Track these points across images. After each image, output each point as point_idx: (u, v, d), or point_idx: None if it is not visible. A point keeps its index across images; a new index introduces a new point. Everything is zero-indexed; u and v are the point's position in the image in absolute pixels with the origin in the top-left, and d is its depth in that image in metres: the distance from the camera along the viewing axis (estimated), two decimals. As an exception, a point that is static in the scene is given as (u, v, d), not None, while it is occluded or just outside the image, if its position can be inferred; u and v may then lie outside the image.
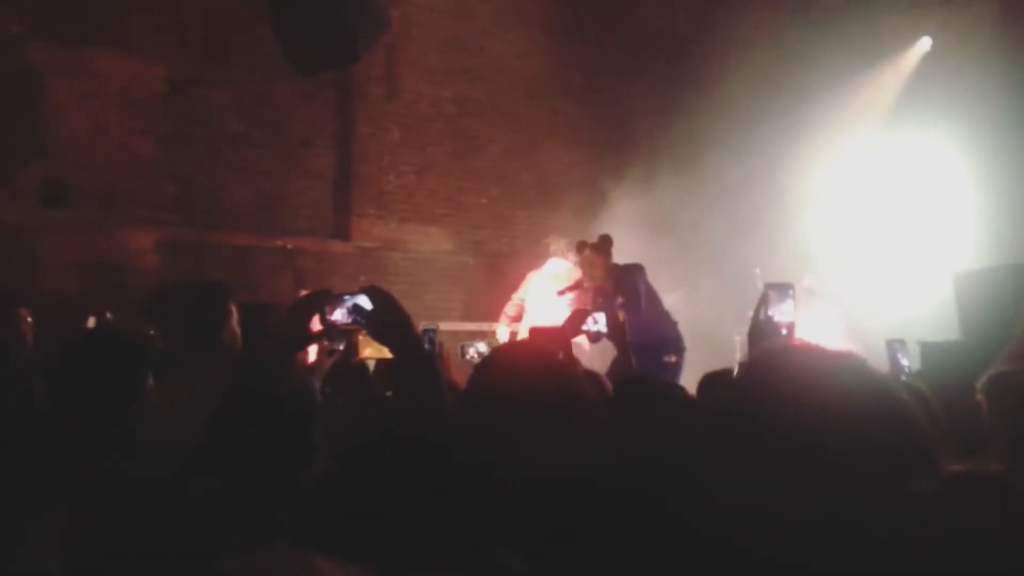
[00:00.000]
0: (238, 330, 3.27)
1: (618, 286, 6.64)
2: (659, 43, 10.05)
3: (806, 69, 9.21)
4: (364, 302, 2.08)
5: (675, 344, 6.68)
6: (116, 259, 7.70)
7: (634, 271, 6.71)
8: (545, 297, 7.83)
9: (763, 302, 2.56)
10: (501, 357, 2.08)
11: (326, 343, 2.71)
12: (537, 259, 8.83)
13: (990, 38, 8.62)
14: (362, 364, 3.50)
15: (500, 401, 1.88)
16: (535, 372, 1.93)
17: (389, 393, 3.00)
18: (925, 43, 9.03)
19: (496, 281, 9.68)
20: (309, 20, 6.92)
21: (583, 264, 6.88)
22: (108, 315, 5.51)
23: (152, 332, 3.58)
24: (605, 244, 6.83)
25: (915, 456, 1.41)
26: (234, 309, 3.24)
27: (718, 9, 9.53)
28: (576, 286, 7.19)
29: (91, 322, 5.37)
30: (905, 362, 4.33)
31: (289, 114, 8.94)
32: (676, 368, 6.52)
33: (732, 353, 8.24)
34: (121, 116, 8.03)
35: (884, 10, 9.30)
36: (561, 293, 7.27)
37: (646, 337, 6.42)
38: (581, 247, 6.91)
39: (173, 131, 8.26)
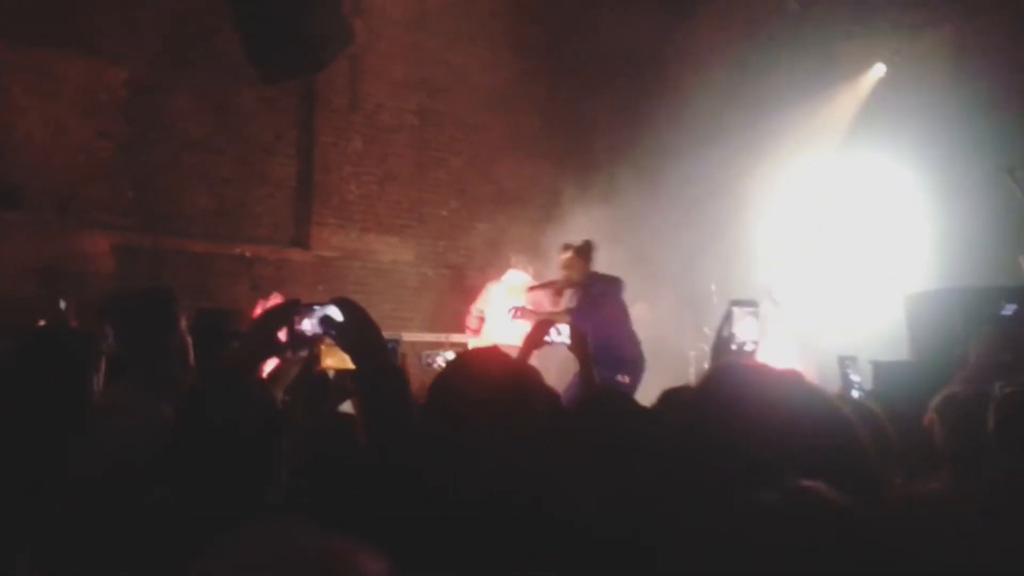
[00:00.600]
0: (188, 338, 3.27)
1: (587, 291, 6.69)
2: (621, 60, 10.16)
3: (765, 90, 9.39)
4: (334, 313, 2.10)
5: (633, 365, 6.71)
6: (72, 263, 7.59)
7: (611, 283, 6.75)
8: (503, 309, 7.86)
9: (727, 319, 2.61)
10: (462, 362, 2.10)
11: (290, 354, 2.71)
12: (496, 271, 8.87)
13: (943, 65, 8.84)
14: (323, 374, 3.48)
15: (459, 405, 1.90)
16: (494, 375, 1.96)
17: (348, 404, 3.00)
18: (879, 69, 9.23)
19: (455, 292, 9.72)
20: (274, 28, 6.91)
21: (563, 264, 6.89)
22: (62, 304, 5.43)
23: (106, 335, 3.57)
24: (587, 248, 6.87)
25: (855, 472, 1.48)
26: (180, 316, 3.24)
27: (679, 29, 9.66)
28: (547, 285, 7.17)
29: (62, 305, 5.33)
30: (856, 378, 4.43)
31: (251, 121, 8.90)
32: (629, 388, 6.56)
33: (687, 367, 8.35)
34: (80, 119, 7.94)
35: (839, 36, 9.51)
36: (531, 289, 7.25)
37: (604, 352, 6.47)
38: (565, 248, 6.92)
39: (133, 135, 8.18)
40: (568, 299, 6.92)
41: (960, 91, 8.47)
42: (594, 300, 6.64)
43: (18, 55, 7.60)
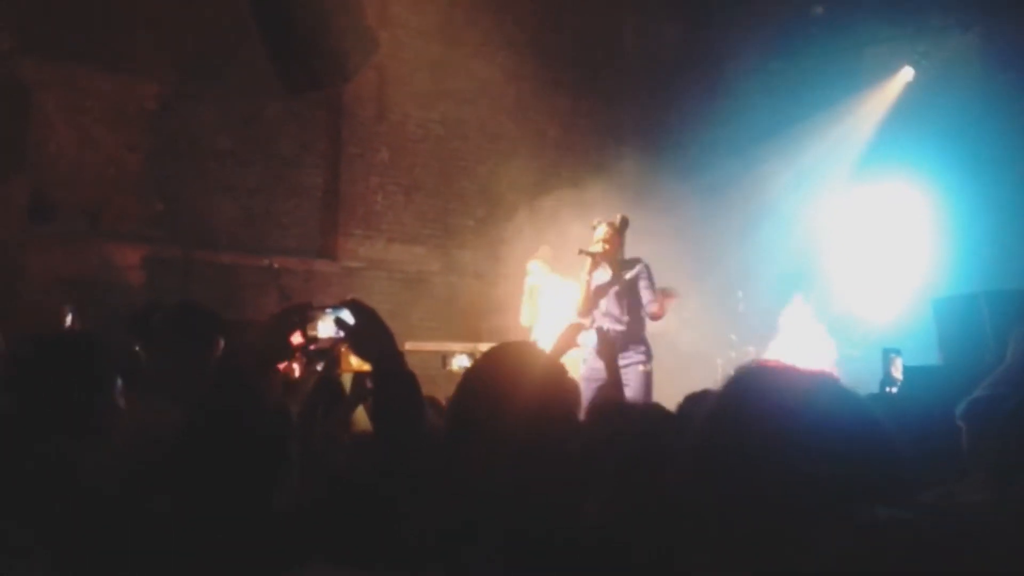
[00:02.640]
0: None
1: (619, 272, 6.65)
2: (645, 69, 10.14)
3: (792, 95, 9.33)
4: (347, 316, 2.09)
5: (649, 348, 6.69)
6: (102, 275, 7.69)
7: (644, 265, 6.73)
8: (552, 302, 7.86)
9: None
10: (498, 354, 2.06)
11: (305, 360, 2.70)
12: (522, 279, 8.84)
13: (972, 67, 8.75)
14: (337, 379, 3.47)
15: (493, 396, 1.87)
16: (531, 370, 1.93)
17: (363, 406, 3.00)
18: (907, 72, 9.15)
19: (482, 302, 9.71)
20: (299, 40, 6.97)
21: (601, 238, 6.79)
22: (68, 317, 5.42)
23: (136, 348, 3.59)
24: (624, 224, 6.79)
25: (889, 479, 1.42)
26: (221, 341, 3.25)
27: (704, 36, 9.64)
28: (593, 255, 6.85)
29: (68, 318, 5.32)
30: (898, 374, 4.35)
31: (278, 133, 8.97)
32: (650, 377, 6.53)
33: (713, 375, 8.29)
34: (110, 132, 8.04)
35: (866, 40, 9.43)
36: (583, 253, 7.11)
37: (628, 337, 6.50)
38: (603, 221, 6.85)
39: (161, 147, 8.27)
40: (597, 277, 6.81)
41: (988, 93, 8.38)
42: (630, 283, 6.63)
43: (49, 71, 7.72)
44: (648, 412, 2.83)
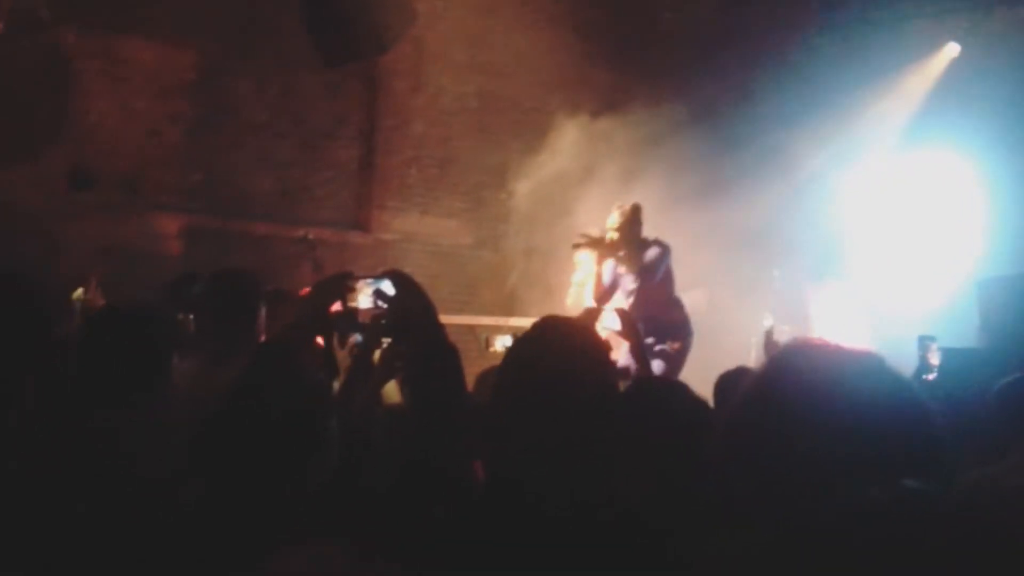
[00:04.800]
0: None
1: (639, 258, 6.58)
2: (684, 44, 10.02)
3: (834, 70, 9.18)
4: (387, 287, 2.07)
5: (682, 329, 6.63)
6: (140, 244, 7.75)
7: (661, 248, 6.64)
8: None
9: None
10: (547, 327, 2.03)
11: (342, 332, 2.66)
12: (561, 257, 8.78)
13: (1018, 43, 8.56)
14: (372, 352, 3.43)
15: (544, 371, 1.85)
16: (580, 344, 1.90)
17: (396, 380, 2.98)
18: (953, 48, 8.97)
19: (514, 277, 9.70)
20: (337, 12, 6.95)
21: (614, 227, 6.74)
22: (90, 285, 5.33)
23: (180, 316, 3.61)
24: (636, 212, 6.71)
25: (931, 460, 1.39)
26: (264, 309, 3.26)
27: (744, 10, 9.49)
28: (597, 244, 6.88)
29: (79, 292, 5.23)
30: (935, 361, 4.30)
31: (314, 105, 8.97)
32: (679, 355, 6.47)
33: (747, 356, 8.21)
34: (149, 102, 8.08)
35: (911, 15, 9.25)
36: (576, 247, 7.08)
37: (652, 322, 6.42)
38: (618, 208, 6.79)
39: (199, 119, 8.30)
40: (612, 266, 6.78)
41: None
42: (647, 268, 6.55)
43: (89, 41, 7.76)
44: (681, 392, 2.81)
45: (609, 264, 6.73)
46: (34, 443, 2.17)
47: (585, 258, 8.08)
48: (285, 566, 1.18)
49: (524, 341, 1.95)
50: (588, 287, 7.77)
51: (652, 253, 6.60)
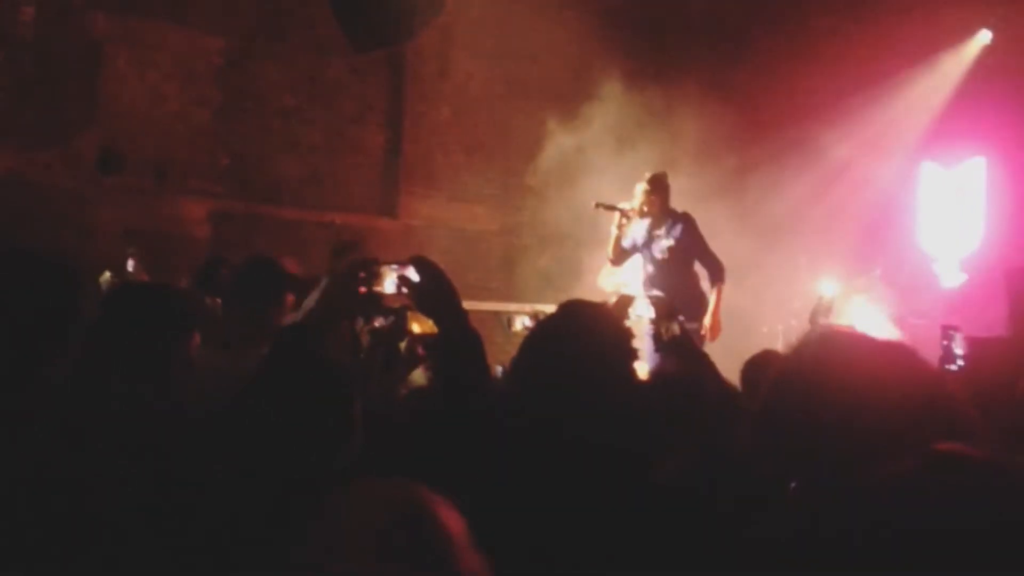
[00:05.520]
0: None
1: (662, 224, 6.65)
2: (711, 31, 9.95)
3: (864, 57, 9.08)
4: (411, 273, 2.08)
5: (702, 305, 6.61)
6: (169, 228, 7.82)
7: (688, 220, 6.70)
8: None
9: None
10: (573, 310, 2.04)
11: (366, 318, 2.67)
12: (590, 242, 8.77)
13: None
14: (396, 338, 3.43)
15: (571, 351, 1.86)
16: (606, 328, 1.91)
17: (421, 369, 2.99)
18: (985, 36, 8.85)
19: (540, 262, 9.69)
20: (365, -3, 6.96)
21: (641, 195, 6.79)
22: (130, 265, 5.33)
23: (207, 299, 3.64)
24: (658, 181, 6.76)
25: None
26: (290, 294, 3.27)
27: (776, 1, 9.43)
28: (619, 210, 6.92)
29: (106, 276, 5.21)
30: (959, 350, 4.26)
31: (341, 90, 9.00)
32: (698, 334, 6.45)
33: (772, 345, 8.17)
34: (178, 87, 8.14)
35: (944, 2, 9.12)
36: (597, 206, 7.12)
37: (682, 298, 6.46)
38: (647, 178, 6.84)
39: (228, 104, 8.36)
40: (634, 233, 6.80)
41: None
42: (677, 238, 6.59)
43: (120, 26, 7.82)
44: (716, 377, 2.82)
45: (632, 227, 6.76)
46: (58, 419, 2.19)
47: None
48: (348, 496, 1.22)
49: (547, 323, 1.96)
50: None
51: (679, 228, 6.65)
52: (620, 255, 6.88)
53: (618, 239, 6.83)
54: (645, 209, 6.71)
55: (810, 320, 6.44)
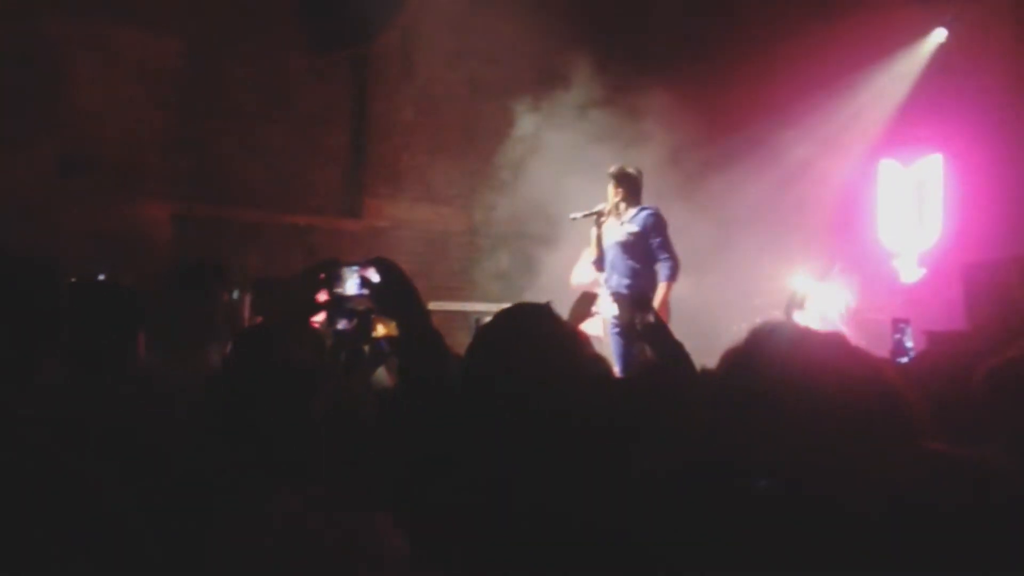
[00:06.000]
0: (243, 308, 3.29)
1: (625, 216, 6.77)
2: (676, 30, 10.03)
3: (823, 56, 9.19)
4: (372, 274, 2.10)
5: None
6: (131, 231, 7.76)
7: (656, 213, 6.81)
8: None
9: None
10: (513, 315, 2.07)
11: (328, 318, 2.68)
12: (554, 242, 8.83)
13: (1006, 30, 8.59)
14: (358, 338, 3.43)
15: (513, 359, 1.89)
16: (546, 332, 1.94)
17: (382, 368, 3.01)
18: (940, 34, 8.99)
19: (505, 262, 9.73)
20: (326, -2, 6.96)
21: (610, 189, 6.92)
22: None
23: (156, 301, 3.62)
24: (620, 175, 6.89)
25: (897, 434, 1.47)
26: (222, 289, 3.26)
27: (736, 2, 9.52)
28: (595, 213, 7.05)
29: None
30: (909, 344, 4.35)
31: (304, 92, 8.96)
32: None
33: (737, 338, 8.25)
34: (138, 89, 8.07)
35: (899, 0, 9.27)
36: (573, 219, 7.23)
37: (642, 274, 6.62)
38: (611, 172, 6.95)
39: (189, 105, 8.30)
40: (608, 231, 6.91)
41: (1022, 57, 8.24)
42: (637, 238, 6.71)
43: (78, 27, 7.74)
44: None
45: (609, 225, 6.92)
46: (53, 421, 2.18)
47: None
48: (282, 506, 1.22)
49: (487, 329, 1.99)
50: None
51: (643, 222, 6.77)
52: (603, 255, 6.99)
53: (599, 239, 6.96)
54: (616, 202, 6.86)
55: (784, 312, 6.54)
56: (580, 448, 1.84)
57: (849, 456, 1.40)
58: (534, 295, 8.66)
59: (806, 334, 1.63)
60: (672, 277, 6.69)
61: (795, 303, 5.49)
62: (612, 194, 6.92)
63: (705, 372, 2.74)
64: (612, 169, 6.99)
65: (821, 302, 7.33)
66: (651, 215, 6.78)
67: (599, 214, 6.96)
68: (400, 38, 9.17)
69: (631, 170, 6.97)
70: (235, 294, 3.34)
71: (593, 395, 2.01)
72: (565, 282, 8.18)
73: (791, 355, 1.55)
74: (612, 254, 6.89)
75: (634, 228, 6.77)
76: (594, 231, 6.97)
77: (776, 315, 8.20)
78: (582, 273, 7.88)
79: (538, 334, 1.92)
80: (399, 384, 2.61)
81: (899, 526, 1.17)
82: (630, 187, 6.90)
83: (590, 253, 7.24)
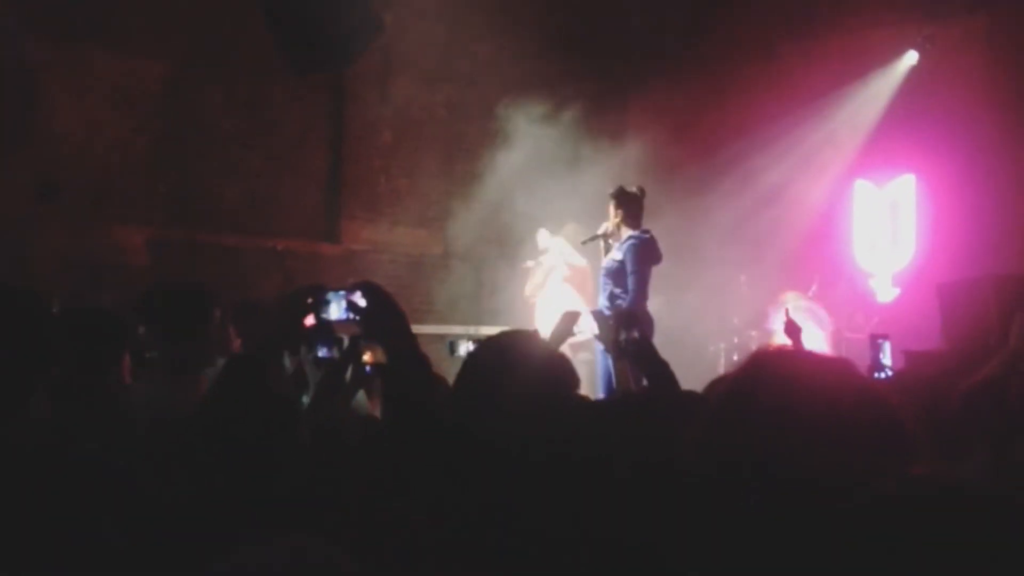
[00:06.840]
0: (229, 332, 3.27)
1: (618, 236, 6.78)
2: (653, 53, 10.11)
3: (797, 78, 9.30)
4: (359, 299, 2.09)
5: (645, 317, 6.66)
6: (107, 256, 7.70)
7: (640, 241, 6.72)
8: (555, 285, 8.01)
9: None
10: (500, 343, 2.07)
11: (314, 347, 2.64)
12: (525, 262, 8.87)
13: (977, 53, 8.72)
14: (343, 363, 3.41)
15: (498, 387, 1.89)
16: (534, 359, 1.95)
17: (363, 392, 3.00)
18: (912, 56, 9.11)
19: (484, 285, 9.72)
20: (304, 22, 6.95)
21: (610, 210, 6.89)
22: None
23: (141, 329, 3.60)
24: (620, 195, 6.82)
25: (899, 459, 1.45)
26: (217, 313, 3.25)
27: (711, 22, 9.61)
28: (600, 236, 7.04)
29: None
30: (887, 361, 4.36)
31: (281, 115, 8.95)
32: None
33: (715, 362, 8.29)
34: (115, 114, 8.03)
35: (871, 23, 9.39)
36: (585, 243, 7.32)
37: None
38: (610, 193, 6.92)
39: (166, 130, 8.27)
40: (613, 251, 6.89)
41: (993, 78, 8.36)
42: (628, 254, 6.65)
43: (55, 52, 7.70)
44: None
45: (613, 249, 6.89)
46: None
47: (557, 245, 8.26)
48: (256, 556, 1.19)
49: (475, 357, 1.99)
50: (557, 272, 7.98)
51: (626, 246, 6.69)
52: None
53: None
54: (617, 222, 6.82)
55: (786, 336, 6.50)
56: (566, 476, 1.83)
57: (848, 479, 1.38)
58: (511, 318, 8.67)
59: (816, 360, 1.57)
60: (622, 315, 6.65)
61: (794, 328, 5.49)
62: (612, 215, 6.84)
63: (690, 395, 2.73)
64: (612, 189, 6.90)
65: (807, 324, 7.38)
66: (633, 245, 6.65)
67: (605, 236, 6.91)
68: (378, 61, 9.18)
69: (632, 189, 6.86)
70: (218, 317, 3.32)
71: (577, 423, 2.01)
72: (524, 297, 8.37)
73: (801, 381, 1.49)
74: (600, 277, 6.88)
75: (618, 256, 6.71)
76: (603, 255, 6.96)
77: (745, 338, 8.25)
78: (534, 285, 8.10)
79: (524, 362, 1.93)
80: (385, 410, 2.60)
81: (888, 551, 1.16)
82: (630, 208, 6.78)
83: (537, 270, 7.60)
